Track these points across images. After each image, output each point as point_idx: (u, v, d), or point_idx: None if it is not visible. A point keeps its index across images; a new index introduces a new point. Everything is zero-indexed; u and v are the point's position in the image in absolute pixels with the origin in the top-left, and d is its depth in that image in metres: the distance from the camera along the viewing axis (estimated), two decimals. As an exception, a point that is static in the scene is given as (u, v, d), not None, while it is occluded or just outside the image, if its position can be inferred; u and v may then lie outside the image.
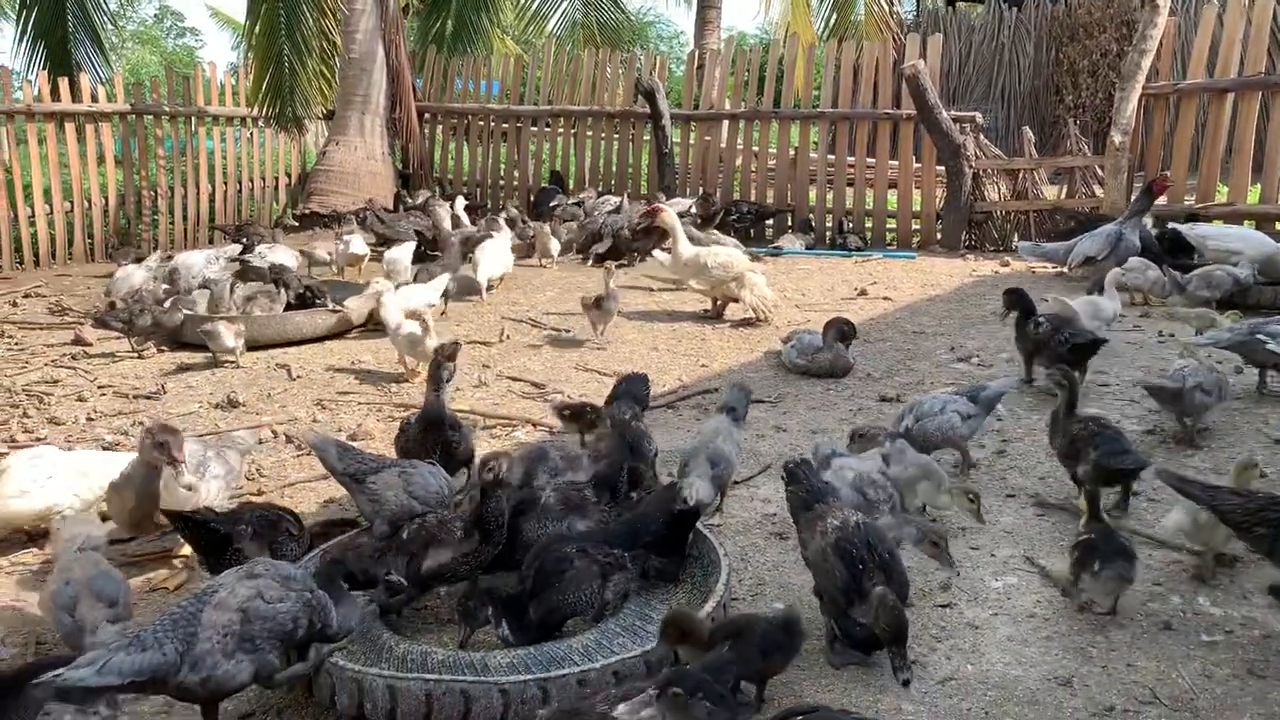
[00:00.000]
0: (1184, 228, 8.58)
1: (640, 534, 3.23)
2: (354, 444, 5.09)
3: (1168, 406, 4.85)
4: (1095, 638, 3.20)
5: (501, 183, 14.14)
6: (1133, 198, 8.25)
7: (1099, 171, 10.55)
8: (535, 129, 13.99)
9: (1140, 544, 3.77)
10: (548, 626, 3.05)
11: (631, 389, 5.20)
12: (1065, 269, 8.16)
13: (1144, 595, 3.44)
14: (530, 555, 3.17)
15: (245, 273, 7.84)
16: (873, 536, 3.00)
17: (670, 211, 8.38)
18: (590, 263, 10.10)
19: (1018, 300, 5.72)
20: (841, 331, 6.22)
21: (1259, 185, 9.83)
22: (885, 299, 8.52)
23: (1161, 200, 10.03)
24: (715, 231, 10.53)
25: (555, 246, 10.05)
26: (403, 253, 8.78)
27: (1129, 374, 5.94)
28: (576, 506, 3.63)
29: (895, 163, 11.68)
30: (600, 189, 12.73)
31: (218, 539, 3.35)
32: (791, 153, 12.20)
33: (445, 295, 7.83)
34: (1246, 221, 9.64)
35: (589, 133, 13.53)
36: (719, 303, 7.93)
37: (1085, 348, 5.40)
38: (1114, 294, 6.50)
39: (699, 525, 3.67)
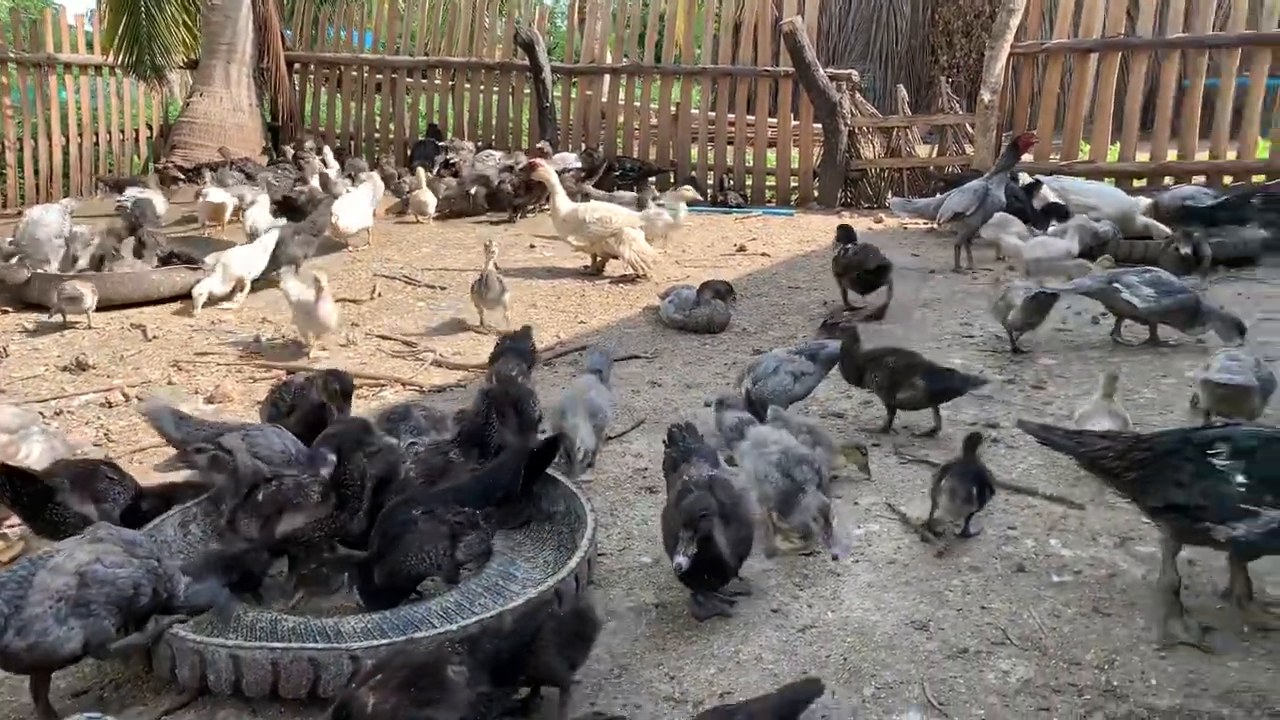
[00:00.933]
0: (1048, 180, 8.85)
1: (493, 489, 3.15)
2: (212, 406, 4.93)
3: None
4: (952, 581, 3.27)
5: (377, 136, 13.72)
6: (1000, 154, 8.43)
7: (970, 129, 10.78)
8: (411, 80, 13.59)
9: (999, 490, 3.88)
10: (396, 591, 2.96)
11: (516, 346, 5.11)
12: (935, 224, 8.32)
13: (999, 539, 3.54)
14: (378, 518, 3.07)
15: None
16: (718, 487, 3.00)
17: (548, 166, 8.25)
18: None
19: (845, 233, 6.70)
20: (718, 290, 6.23)
21: (1119, 144, 10.19)
22: (763, 255, 8.57)
23: (1028, 157, 10.35)
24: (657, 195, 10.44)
25: (431, 202, 9.81)
26: (260, 211, 8.28)
27: (995, 325, 6.09)
28: (440, 471, 3.53)
29: (775, 120, 11.73)
30: (480, 143, 12.47)
31: (37, 492, 3.15)
32: (673, 109, 12.14)
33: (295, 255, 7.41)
34: (1107, 179, 9.99)
35: (467, 85, 13.22)
36: (599, 259, 7.85)
37: (881, 270, 6.37)
38: (1073, 235, 6.98)
39: (566, 480, 3.64)
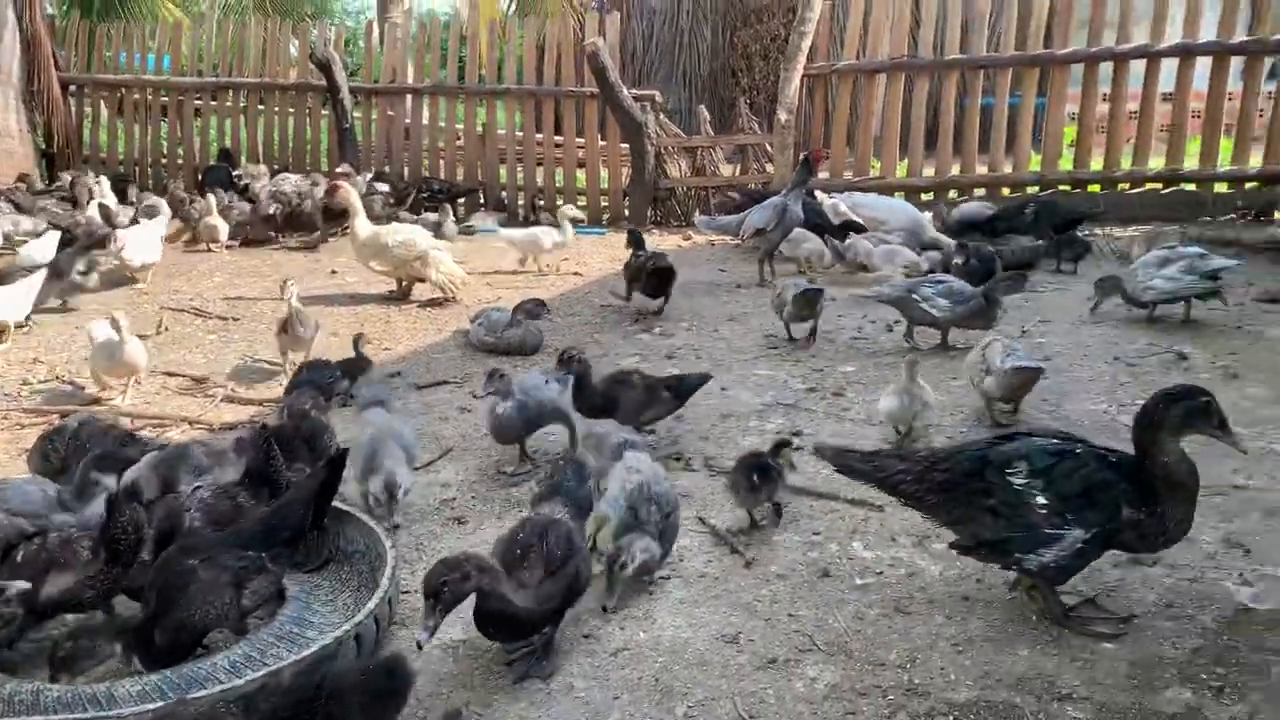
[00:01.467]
0: (841, 196, 9.21)
1: (278, 529, 2.94)
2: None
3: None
4: (761, 591, 3.29)
5: (165, 161, 12.98)
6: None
7: (769, 148, 11.12)
8: (201, 103, 12.93)
9: (803, 497, 3.95)
10: (179, 648, 2.72)
11: (314, 377, 4.86)
12: (740, 240, 8.51)
13: (804, 545, 3.59)
14: (153, 571, 2.82)
15: None
16: (551, 534, 2.87)
17: (350, 189, 7.97)
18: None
19: (634, 237, 7.37)
20: (530, 310, 6.14)
21: (906, 160, 10.73)
22: (575, 274, 8.56)
23: (825, 174, 10.78)
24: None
25: (223, 229, 9.32)
26: (42, 245, 7.60)
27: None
28: (229, 518, 3.29)
29: (583, 141, 11.79)
30: (276, 167, 11.97)
31: None
32: (480, 130, 12.02)
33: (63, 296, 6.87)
34: (897, 193, 10.50)
35: (261, 107, 12.68)
36: (404, 283, 7.63)
37: (664, 271, 6.82)
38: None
39: (365, 517, 3.47)
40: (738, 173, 11.69)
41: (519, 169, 11.88)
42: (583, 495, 3.28)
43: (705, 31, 19.79)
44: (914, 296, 5.76)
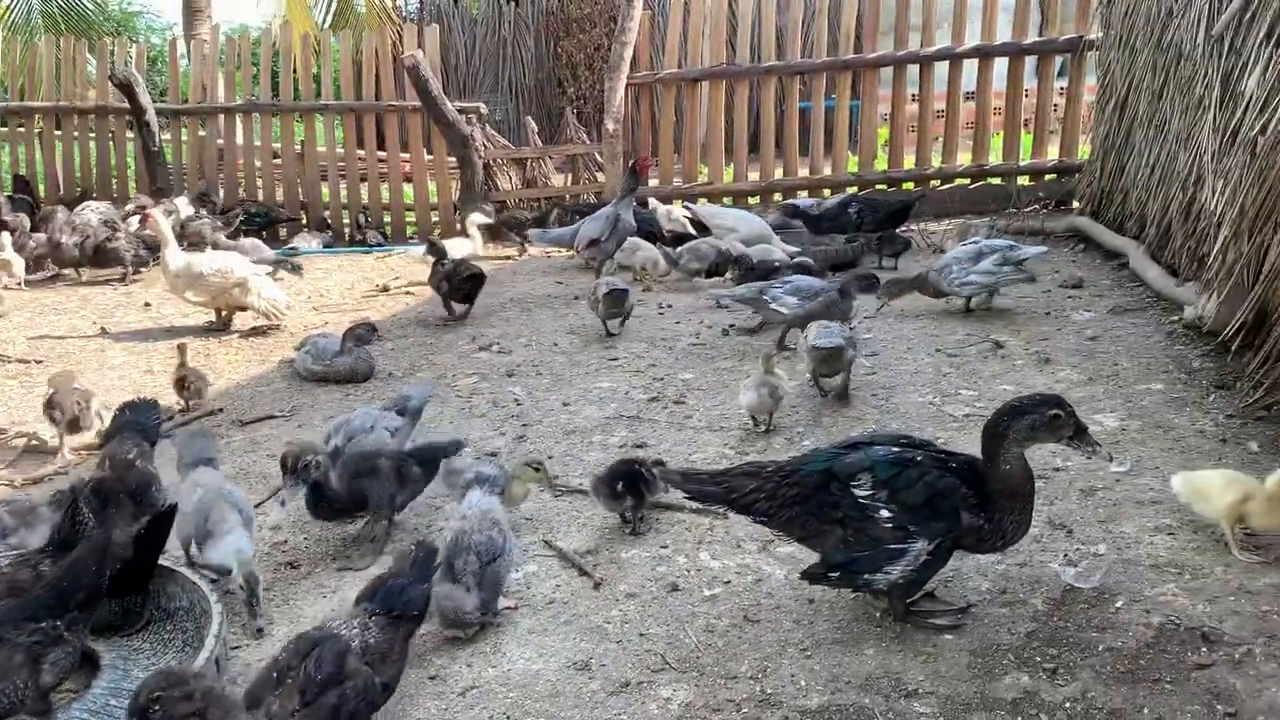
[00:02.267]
0: (695, 206, 9.34)
1: (70, 592, 2.66)
2: None
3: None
4: (611, 613, 3.24)
5: (-51, 194, 11.98)
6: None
7: (599, 158, 11.14)
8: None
9: (650, 510, 3.93)
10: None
11: (137, 419, 4.50)
12: (575, 252, 8.47)
13: (653, 560, 3.57)
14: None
15: None
16: (322, 652, 2.48)
17: (160, 216, 7.54)
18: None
19: (435, 248, 7.54)
20: (359, 335, 5.92)
21: (732, 165, 10.94)
22: (408, 294, 8.33)
23: (654, 181, 10.88)
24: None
25: (18, 263, 8.67)
26: None
27: (635, 346, 6.26)
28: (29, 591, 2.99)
29: (408, 155, 11.53)
30: (79, 194, 11.23)
31: None
32: (299, 148, 11.60)
33: None
34: (724, 198, 10.71)
35: (58, 132, 11.88)
36: (224, 313, 7.25)
37: (475, 278, 7.02)
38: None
39: (187, 572, 3.25)
40: (569, 183, 11.67)
41: (342, 187, 11.51)
42: (414, 597, 2.74)
43: (529, 41, 19.73)
44: (764, 297, 5.90)
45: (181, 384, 5.59)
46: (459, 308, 7.18)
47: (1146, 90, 7.19)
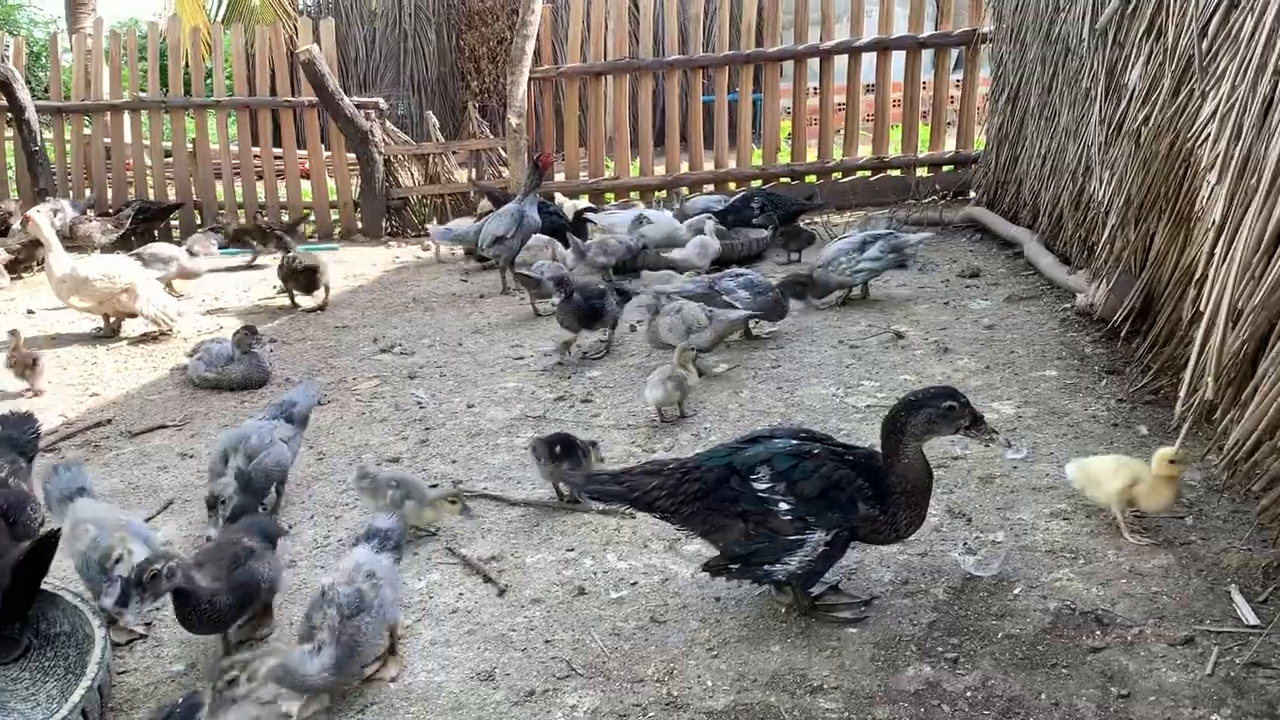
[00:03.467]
0: (595, 216, 9.26)
1: None
2: None
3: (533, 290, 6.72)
4: (516, 620, 3.18)
5: None
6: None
7: (503, 153, 11.00)
8: None
9: (556, 512, 3.88)
10: None
11: (10, 434, 4.26)
12: (479, 250, 8.33)
13: (559, 563, 3.51)
14: None
15: None
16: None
17: (41, 219, 7.19)
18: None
19: (281, 242, 8.25)
20: (240, 341, 5.69)
21: (638, 159, 10.91)
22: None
23: (560, 176, 10.80)
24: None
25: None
26: None
27: (541, 345, 6.19)
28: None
29: (305, 152, 11.24)
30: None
31: None
32: (190, 145, 11.20)
33: None
34: (631, 192, 10.68)
35: (-72, 131, 11.28)
36: (112, 319, 6.96)
37: (310, 269, 7.45)
38: (714, 236, 7.75)
39: (67, 595, 3.09)
40: (473, 178, 11.50)
41: (237, 185, 11.16)
42: None
43: (430, 34, 19.38)
44: (716, 289, 5.93)
45: (19, 366, 5.79)
46: (308, 300, 7.61)
47: (1037, 83, 7.37)
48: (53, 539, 3.08)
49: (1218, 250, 3.33)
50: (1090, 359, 5.24)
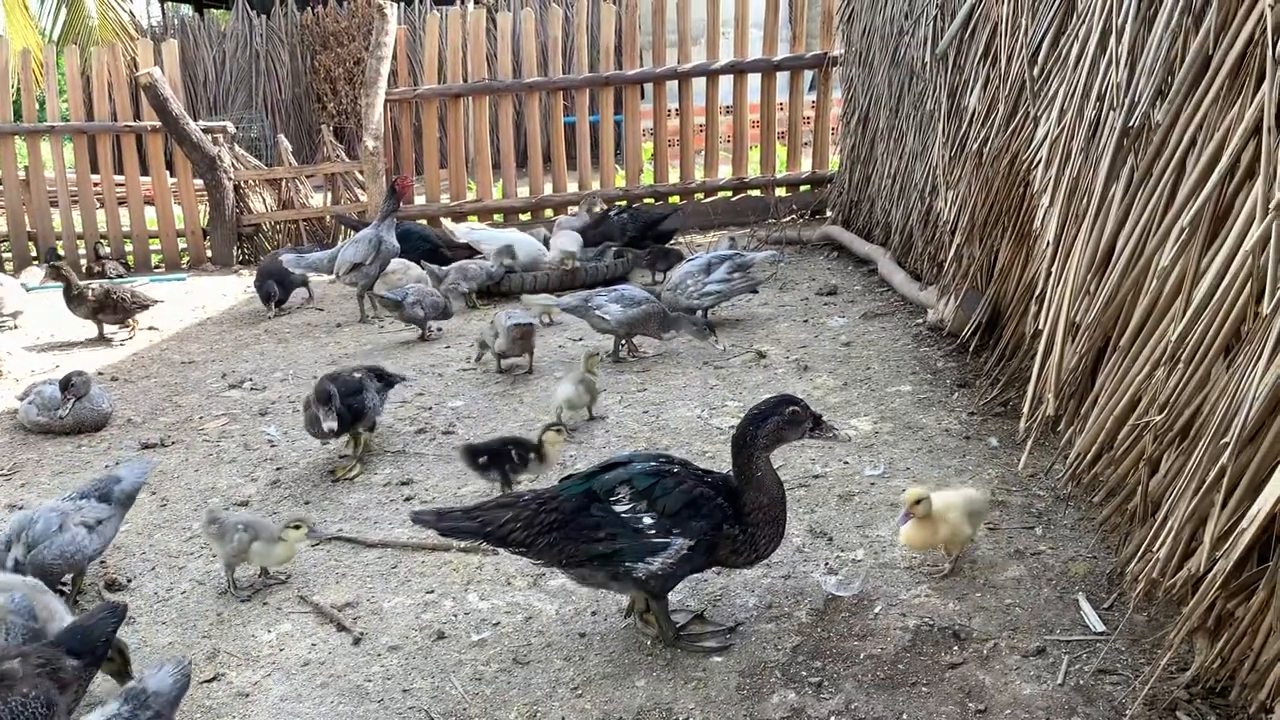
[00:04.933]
0: (458, 228, 9.13)
1: None
2: None
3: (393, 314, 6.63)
4: (372, 669, 3.04)
5: None
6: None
7: (360, 176, 10.73)
8: None
9: (413, 553, 3.75)
10: None
11: None
12: (335, 277, 8.07)
13: (418, 607, 3.39)
14: None
15: None
16: None
17: None
18: None
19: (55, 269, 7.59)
20: (74, 386, 5.31)
21: (500, 181, 10.81)
22: (151, 329, 7.71)
23: (421, 199, 10.60)
24: None
25: None
26: None
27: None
28: None
29: (149, 179, 10.73)
30: None
31: None
32: (23, 173, 10.56)
33: None
34: (495, 215, 10.56)
35: None
36: (-69, 361, 6.48)
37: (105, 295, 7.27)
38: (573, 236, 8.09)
39: None
40: (329, 202, 11.18)
41: (75, 213, 10.57)
42: None
43: (284, 55, 18.85)
44: (590, 304, 5.90)
45: None
46: (111, 329, 7.49)
47: (885, 106, 7.59)
48: None
49: (1053, 269, 3.46)
50: (942, 373, 5.39)
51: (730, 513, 2.96)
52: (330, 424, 4.31)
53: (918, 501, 3.22)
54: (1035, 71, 4.11)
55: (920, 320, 6.27)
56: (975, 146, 4.97)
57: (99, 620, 2.79)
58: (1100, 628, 2.97)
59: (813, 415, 3.03)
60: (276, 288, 7.87)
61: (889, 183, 7.56)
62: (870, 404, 5.00)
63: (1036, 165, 3.86)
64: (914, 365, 5.56)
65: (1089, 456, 3.18)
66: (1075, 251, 3.29)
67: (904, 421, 4.73)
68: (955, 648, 2.93)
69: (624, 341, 6.06)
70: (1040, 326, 3.44)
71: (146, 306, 7.52)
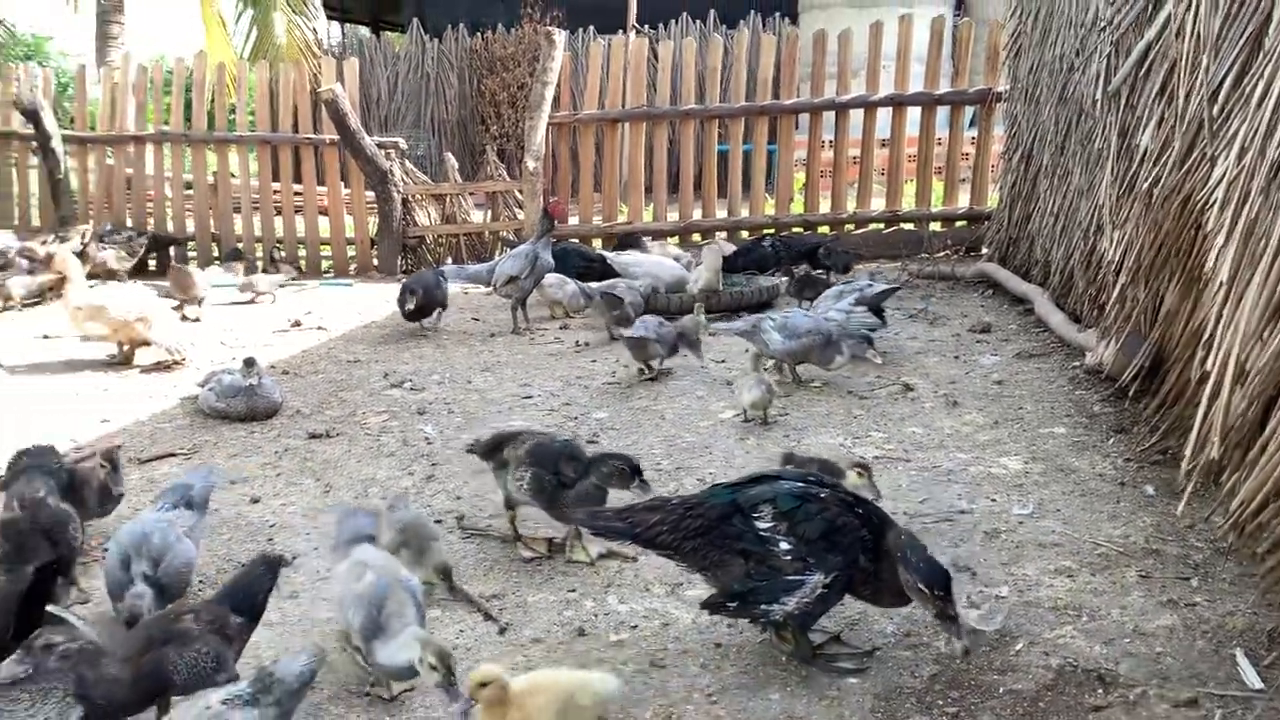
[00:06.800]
0: (611, 255, 9.36)
1: None
2: None
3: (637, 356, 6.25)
4: (515, 659, 3.16)
5: None
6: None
7: (519, 195, 11.12)
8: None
9: (545, 557, 3.88)
10: None
11: (38, 462, 4.24)
12: (492, 289, 8.38)
13: (560, 604, 3.51)
14: None
15: None
16: None
17: (67, 256, 7.32)
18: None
19: None
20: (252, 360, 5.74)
21: (652, 205, 11.03)
22: (320, 329, 8.17)
23: (574, 220, 10.91)
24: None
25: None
26: None
27: (550, 384, 6.21)
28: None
29: (324, 189, 11.38)
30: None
31: None
32: (211, 179, 11.36)
33: None
34: (645, 238, 10.75)
35: (-44, 158, 11.48)
36: (126, 347, 7.02)
37: None
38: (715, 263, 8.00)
39: (68, 616, 3.09)
40: (489, 219, 11.62)
41: (256, 219, 11.29)
42: None
43: (452, 78, 19.67)
44: (758, 328, 5.98)
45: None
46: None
47: (1050, 142, 7.43)
48: (53, 565, 3.09)
49: (1225, 312, 3.35)
50: (1098, 417, 5.23)
51: (870, 545, 2.94)
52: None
53: (484, 684, 2.61)
54: (1215, 110, 3.99)
55: (1077, 363, 6.10)
56: (1145, 186, 4.84)
57: (256, 577, 2.97)
58: (1259, 685, 2.85)
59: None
60: (411, 299, 7.67)
61: (1050, 221, 7.39)
62: (1021, 443, 4.90)
63: (1211, 206, 3.75)
64: (1069, 408, 5.41)
65: (1253, 506, 3.06)
66: (1249, 295, 3.19)
67: (1056, 464, 4.62)
68: (1100, 690, 2.87)
69: (785, 368, 6.09)
70: (1207, 370, 3.33)
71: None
